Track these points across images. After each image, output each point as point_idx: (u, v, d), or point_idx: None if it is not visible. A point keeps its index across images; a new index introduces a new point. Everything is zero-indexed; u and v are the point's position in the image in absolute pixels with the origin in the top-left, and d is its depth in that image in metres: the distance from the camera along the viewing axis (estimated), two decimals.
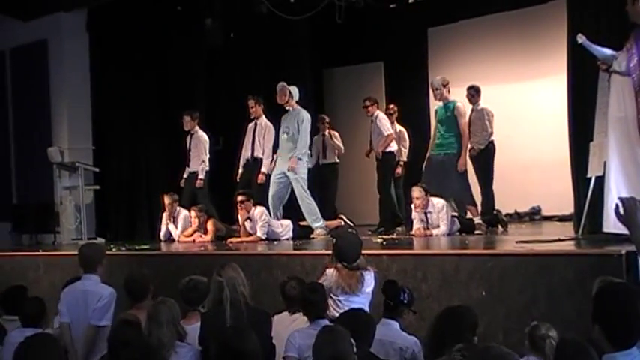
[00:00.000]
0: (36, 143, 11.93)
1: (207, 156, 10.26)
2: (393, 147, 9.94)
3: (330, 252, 5.54)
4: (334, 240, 5.52)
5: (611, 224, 5.83)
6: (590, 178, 6.89)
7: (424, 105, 11.42)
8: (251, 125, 10.00)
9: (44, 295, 5.81)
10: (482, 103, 9.43)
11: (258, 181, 9.59)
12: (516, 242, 6.57)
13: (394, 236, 8.77)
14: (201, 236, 9.70)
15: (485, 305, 5.64)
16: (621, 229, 3.50)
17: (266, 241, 8.85)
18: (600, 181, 6.62)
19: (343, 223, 9.58)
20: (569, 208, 8.07)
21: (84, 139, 11.94)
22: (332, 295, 5.16)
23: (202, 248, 8.90)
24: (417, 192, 8.32)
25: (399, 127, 10.66)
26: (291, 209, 9.46)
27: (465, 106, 8.96)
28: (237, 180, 9.94)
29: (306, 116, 9.29)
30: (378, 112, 10.04)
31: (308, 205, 9.16)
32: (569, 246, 6.46)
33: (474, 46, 11.64)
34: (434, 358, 3.85)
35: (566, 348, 3.42)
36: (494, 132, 9.34)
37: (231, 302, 4.58)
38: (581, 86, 7.23)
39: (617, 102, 6.42)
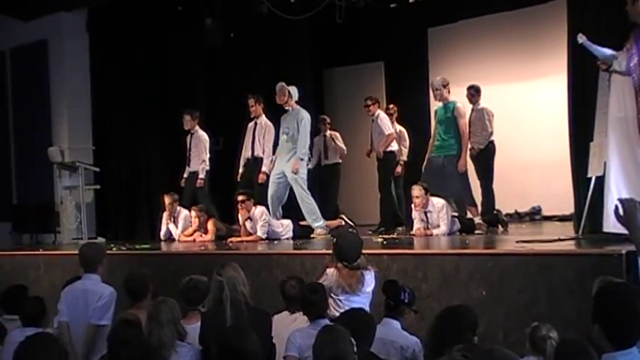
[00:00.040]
0: (36, 143, 11.93)
1: (208, 155, 10.26)
2: (394, 146, 9.94)
3: (330, 252, 5.54)
4: (334, 240, 5.52)
5: (612, 224, 5.82)
6: (591, 178, 6.89)
7: (424, 105, 11.42)
8: (251, 124, 10.00)
9: (44, 295, 5.81)
10: (483, 103, 9.43)
11: (259, 181, 9.59)
12: (516, 242, 6.57)
13: (394, 236, 8.77)
14: (201, 236, 9.71)
15: (486, 305, 5.64)
16: (621, 229, 3.51)
17: (266, 241, 8.85)
18: (600, 181, 6.62)
19: (343, 222, 9.58)
20: (569, 208, 8.07)
21: (84, 138, 11.95)
22: (332, 295, 5.16)
23: (202, 248, 8.90)
24: (416, 191, 8.32)
25: (398, 127, 10.66)
26: (291, 209, 9.46)
27: (464, 107, 8.96)
28: (238, 179, 9.94)
29: (305, 116, 9.29)
30: (379, 111, 10.05)
31: (308, 204, 9.16)
32: (569, 246, 6.46)
33: (474, 46, 11.64)
34: (434, 358, 3.86)
35: (567, 348, 3.42)
36: (495, 132, 9.34)
37: (232, 302, 4.58)
38: (582, 86, 7.23)
39: (617, 102, 6.42)
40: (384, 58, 12.73)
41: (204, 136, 10.34)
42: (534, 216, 10.92)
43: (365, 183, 11.29)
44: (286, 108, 9.38)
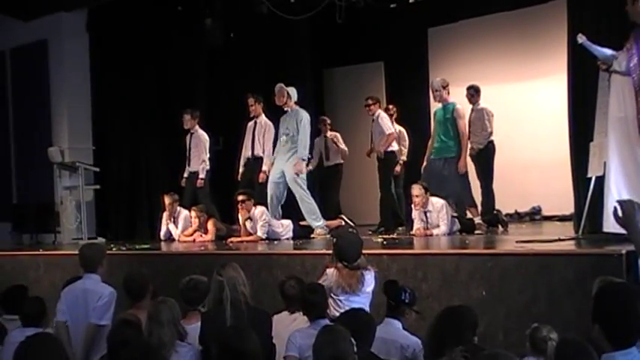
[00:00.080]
0: (36, 143, 11.93)
1: (208, 155, 10.26)
2: (394, 146, 9.95)
3: (330, 252, 5.54)
4: (334, 240, 5.52)
5: (612, 224, 5.79)
6: (591, 178, 6.89)
7: (424, 105, 11.41)
8: (251, 124, 10.00)
9: (44, 295, 5.81)
10: (483, 103, 9.43)
11: (260, 180, 9.59)
12: (516, 242, 6.57)
13: (394, 236, 8.77)
14: (201, 236, 9.71)
15: (486, 305, 5.65)
16: (621, 229, 3.51)
17: (266, 241, 8.85)
18: (600, 181, 6.62)
19: (343, 222, 9.58)
20: (569, 208, 8.07)
21: (84, 138, 11.95)
22: (332, 295, 5.16)
23: (203, 248, 8.91)
24: (416, 190, 8.32)
25: (398, 127, 10.66)
26: (291, 209, 9.46)
27: (464, 108, 8.94)
28: (239, 179, 9.95)
29: (305, 116, 9.30)
30: (379, 111, 10.05)
31: (308, 204, 9.16)
32: (569, 246, 6.46)
33: (474, 46, 11.64)
34: (434, 358, 3.86)
35: (566, 348, 3.42)
36: (495, 132, 9.34)
37: (232, 302, 4.58)
38: (582, 86, 7.23)
39: (617, 102, 6.42)
40: (384, 58, 12.73)
41: (204, 135, 10.34)
42: (534, 216, 10.92)
43: (365, 183, 11.30)
44: (285, 109, 9.39)
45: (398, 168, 10.33)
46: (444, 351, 3.63)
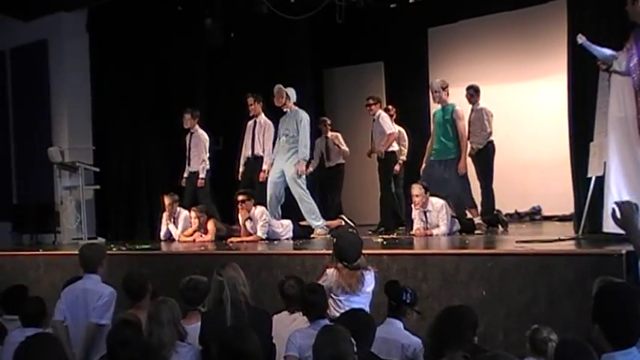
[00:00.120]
0: (36, 143, 11.93)
1: (207, 155, 10.26)
2: (394, 146, 9.95)
3: (330, 252, 5.54)
4: (334, 240, 5.53)
5: (611, 224, 5.78)
6: (591, 178, 6.89)
7: (424, 105, 11.41)
8: (250, 123, 10.01)
9: (44, 295, 5.81)
10: (483, 103, 9.43)
11: (260, 179, 9.59)
12: (516, 242, 6.57)
13: (394, 236, 8.77)
14: (201, 236, 9.71)
15: (486, 305, 5.65)
16: (621, 230, 3.52)
17: (266, 241, 8.85)
18: (600, 181, 6.62)
19: (343, 222, 9.58)
20: (569, 208, 8.07)
21: (84, 138, 11.95)
22: (332, 295, 5.16)
23: (203, 248, 8.91)
24: (416, 189, 8.33)
25: (397, 127, 10.66)
26: (291, 209, 9.46)
27: (463, 110, 8.93)
28: (239, 178, 9.95)
29: (305, 116, 9.30)
30: (380, 111, 10.06)
31: (307, 204, 9.16)
32: (569, 246, 6.46)
33: (474, 46, 11.63)
34: (434, 358, 3.86)
35: (566, 348, 3.42)
36: (494, 132, 9.34)
37: (232, 302, 4.58)
38: (582, 86, 7.23)
39: (617, 102, 6.43)
40: (384, 58, 12.72)
41: (204, 135, 10.34)
42: (534, 216, 10.92)
43: (365, 183, 11.30)
44: (285, 110, 9.39)
45: (397, 167, 10.33)
46: (444, 351, 3.64)
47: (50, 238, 11.49)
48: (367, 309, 5.00)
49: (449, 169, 8.64)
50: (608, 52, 6.50)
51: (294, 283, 5.33)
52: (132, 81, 11.80)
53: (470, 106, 9.40)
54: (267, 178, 9.43)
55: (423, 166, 8.95)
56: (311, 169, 10.35)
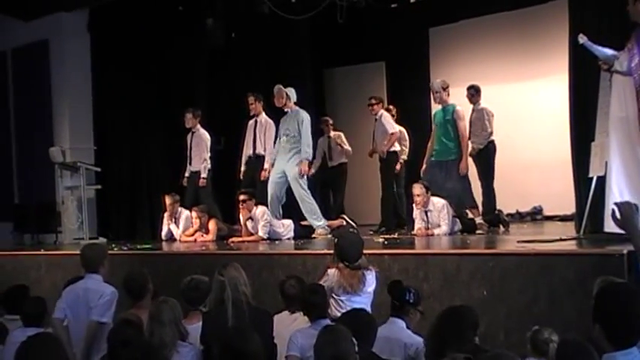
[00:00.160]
0: (37, 143, 11.94)
1: (209, 154, 10.26)
2: (396, 146, 9.96)
3: (331, 252, 5.54)
4: (335, 240, 5.53)
5: (613, 224, 5.81)
6: (592, 178, 6.89)
7: (425, 105, 11.41)
8: (251, 122, 10.02)
9: (46, 295, 5.82)
10: (484, 102, 9.43)
11: (261, 178, 9.59)
12: (518, 242, 6.57)
13: (395, 236, 8.77)
14: (202, 236, 9.71)
15: (487, 305, 5.65)
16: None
17: (267, 241, 8.85)
18: (602, 180, 6.62)
19: (345, 222, 9.58)
20: (570, 208, 8.07)
21: (85, 138, 11.95)
22: (334, 296, 5.17)
23: (204, 248, 8.91)
24: (417, 189, 8.32)
25: (398, 127, 10.66)
26: (292, 209, 9.46)
27: (463, 110, 8.92)
28: (241, 178, 9.96)
29: (305, 116, 9.29)
30: (382, 111, 10.07)
31: (308, 204, 9.16)
32: (570, 246, 6.46)
33: (475, 46, 11.63)
34: (435, 358, 3.86)
35: (567, 348, 3.42)
36: (496, 132, 9.34)
37: (233, 302, 4.58)
38: (583, 86, 7.23)
39: (618, 102, 6.43)
40: (385, 58, 12.72)
41: (205, 134, 10.34)
42: (535, 216, 10.92)
43: (366, 183, 11.30)
44: (286, 110, 9.38)
45: (398, 167, 10.34)
46: (445, 351, 3.63)
47: (51, 238, 11.50)
48: (369, 309, 5.01)
49: (450, 170, 8.64)
50: (609, 51, 6.50)
51: (295, 282, 5.33)
52: (133, 81, 11.80)
53: (471, 106, 9.40)
54: (268, 177, 9.43)
55: (424, 166, 8.95)
56: (313, 170, 10.35)
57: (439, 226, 8.26)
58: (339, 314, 4.84)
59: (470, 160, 8.89)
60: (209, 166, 10.22)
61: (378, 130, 10.05)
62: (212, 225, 9.68)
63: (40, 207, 11.85)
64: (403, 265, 6.23)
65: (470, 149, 8.92)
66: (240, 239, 9.02)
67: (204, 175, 10.16)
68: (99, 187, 11.52)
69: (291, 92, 9.33)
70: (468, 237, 8.11)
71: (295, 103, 9.37)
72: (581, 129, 7.25)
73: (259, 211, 8.96)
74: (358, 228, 9.50)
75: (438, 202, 8.30)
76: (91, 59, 12.08)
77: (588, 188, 6.91)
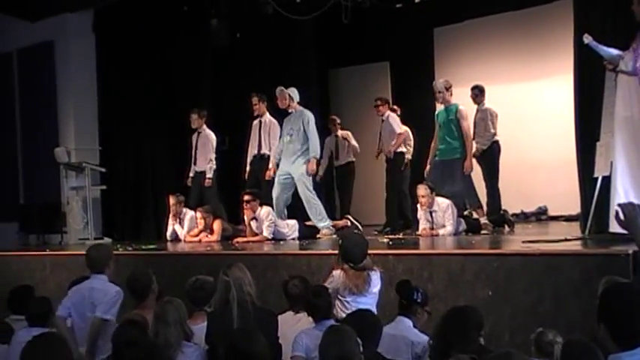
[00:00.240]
0: (43, 143, 11.96)
1: (215, 155, 10.27)
2: (402, 147, 9.97)
3: (336, 252, 5.54)
4: (340, 241, 5.53)
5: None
6: (597, 178, 6.88)
7: (430, 105, 11.34)
8: (256, 123, 10.02)
9: (51, 295, 5.82)
10: (489, 102, 9.41)
11: (266, 178, 9.60)
12: (522, 242, 6.56)
13: (400, 236, 8.76)
14: (207, 236, 9.71)
15: (491, 305, 5.64)
16: None
17: (272, 241, 8.85)
18: (607, 180, 6.61)
19: (349, 223, 9.58)
20: (575, 208, 8.05)
21: (90, 139, 11.97)
22: (339, 297, 5.17)
23: (208, 248, 8.91)
24: (422, 190, 8.31)
25: (404, 127, 10.65)
26: (297, 209, 9.46)
27: (466, 109, 8.91)
28: (246, 177, 9.97)
29: (310, 116, 9.28)
30: (388, 111, 10.09)
31: (313, 205, 9.15)
32: (575, 246, 6.45)
33: (480, 45, 11.62)
34: (440, 358, 3.86)
35: (572, 348, 3.41)
36: (500, 132, 9.33)
37: (238, 302, 4.59)
38: (588, 86, 7.22)
39: (623, 102, 6.42)
40: (389, 58, 12.72)
41: (211, 135, 10.35)
42: (540, 216, 10.90)
43: (371, 183, 11.29)
44: (290, 110, 9.37)
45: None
46: (450, 352, 3.63)
47: (57, 238, 11.52)
48: (374, 309, 5.02)
49: (454, 169, 8.62)
50: (614, 51, 6.49)
51: (298, 282, 5.33)
52: (138, 81, 11.82)
53: (475, 107, 9.39)
54: (273, 177, 9.43)
55: (428, 167, 8.94)
56: (321, 173, 10.37)
57: (444, 226, 8.25)
58: (344, 315, 4.84)
59: (474, 160, 8.87)
60: (215, 166, 10.23)
61: (384, 131, 10.05)
62: (217, 225, 9.68)
63: (46, 207, 11.87)
64: (408, 266, 6.23)
65: (474, 150, 8.91)
66: (244, 239, 9.02)
67: (209, 175, 10.16)
68: (104, 187, 11.54)
69: (294, 92, 9.32)
70: (472, 237, 8.10)
71: (299, 103, 9.37)
72: (586, 129, 7.24)
73: (264, 211, 8.95)
74: (363, 228, 9.52)
75: (442, 203, 8.29)
76: (96, 60, 12.10)
77: (593, 188, 6.90)
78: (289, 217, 9.35)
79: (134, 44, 11.73)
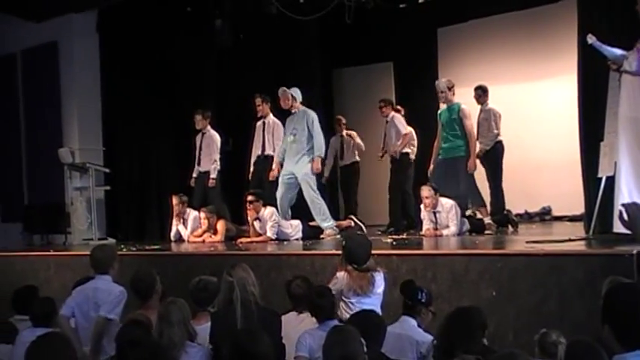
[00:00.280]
0: (47, 144, 11.96)
1: (219, 155, 10.28)
2: (406, 147, 9.97)
3: (339, 252, 5.54)
4: (343, 242, 5.53)
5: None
6: (601, 178, 6.87)
7: (434, 105, 11.33)
8: (259, 124, 10.04)
9: (55, 296, 5.83)
10: (493, 102, 9.40)
11: (270, 178, 9.60)
12: (526, 242, 6.55)
13: (404, 236, 8.76)
14: (211, 236, 9.71)
15: (495, 306, 5.64)
16: None
17: (276, 242, 8.86)
18: (611, 181, 6.59)
19: (353, 223, 9.57)
20: (579, 208, 8.04)
21: (94, 139, 11.98)
22: (344, 298, 5.18)
23: (212, 249, 8.92)
24: (426, 191, 8.31)
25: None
26: (300, 209, 9.46)
27: (469, 108, 8.91)
28: (249, 178, 9.97)
29: (314, 115, 9.28)
30: (392, 112, 10.09)
31: (317, 204, 9.15)
32: (579, 246, 6.43)
33: (484, 46, 11.62)
34: (443, 358, 3.85)
35: (577, 349, 3.41)
36: (504, 132, 9.33)
37: (242, 302, 4.59)
38: (592, 86, 7.21)
39: (627, 102, 6.41)
40: (393, 59, 12.71)
41: (216, 135, 10.35)
42: (544, 216, 10.89)
43: (376, 183, 11.28)
44: (292, 111, 9.37)
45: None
46: (454, 352, 3.63)
47: (61, 238, 11.53)
48: (378, 310, 5.02)
49: (458, 167, 8.61)
50: (618, 51, 6.48)
51: (301, 282, 5.33)
52: (141, 82, 11.82)
53: (478, 107, 9.38)
54: (276, 177, 9.43)
55: (431, 167, 8.93)
56: (326, 173, 10.35)
57: (447, 226, 8.25)
58: (349, 316, 4.85)
59: (477, 160, 8.86)
60: (219, 167, 10.23)
61: (389, 132, 10.06)
62: (220, 226, 9.68)
63: (50, 208, 11.89)
64: (411, 266, 6.23)
65: (477, 150, 8.90)
66: (248, 240, 9.02)
67: (213, 175, 10.16)
68: (108, 187, 11.54)
69: (296, 92, 9.32)
70: (476, 237, 8.09)
71: (301, 103, 9.36)
72: (590, 129, 7.23)
73: (267, 212, 8.96)
74: (366, 228, 9.52)
75: (446, 203, 8.29)
76: (100, 60, 12.10)
77: (597, 188, 6.89)
78: (293, 218, 9.35)
79: (138, 45, 11.74)
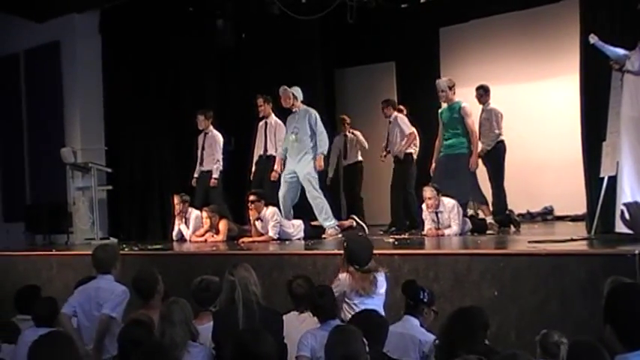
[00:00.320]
0: (49, 144, 11.99)
1: (222, 155, 10.28)
2: (410, 147, 9.98)
3: (341, 252, 5.55)
4: (345, 244, 5.53)
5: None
6: (603, 178, 6.86)
7: (436, 105, 11.32)
8: (261, 124, 10.04)
9: (57, 295, 5.84)
10: (495, 102, 9.40)
11: (272, 179, 9.61)
12: (529, 242, 6.55)
13: (406, 236, 8.76)
14: (213, 236, 9.72)
15: (498, 305, 5.63)
16: None
17: (278, 241, 8.86)
18: (613, 180, 6.59)
19: (355, 223, 9.57)
20: (581, 208, 8.03)
21: (96, 139, 12.00)
22: (346, 299, 5.17)
23: (214, 248, 8.92)
24: (428, 192, 8.30)
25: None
26: (302, 209, 9.46)
27: (470, 106, 8.90)
28: (251, 178, 9.97)
29: (316, 114, 9.28)
30: (395, 112, 10.09)
31: (320, 203, 9.15)
32: (581, 246, 6.43)
33: (486, 45, 11.61)
34: (445, 358, 3.85)
35: (579, 349, 3.41)
36: (506, 132, 9.32)
37: (244, 302, 4.59)
38: (594, 86, 7.21)
39: (630, 101, 6.42)
40: (395, 58, 12.71)
41: (218, 136, 10.35)
42: (546, 216, 10.88)
43: (378, 183, 11.27)
44: (293, 110, 9.37)
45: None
46: (456, 352, 3.63)
47: (63, 238, 11.55)
48: (381, 310, 5.03)
49: (460, 164, 8.59)
50: (620, 51, 6.48)
51: (303, 282, 5.33)
52: (144, 81, 11.85)
53: (480, 107, 9.38)
54: (278, 177, 9.43)
55: (433, 165, 8.93)
56: (330, 174, 10.34)
57: (449, 226, 8.24)
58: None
59: (479, 160, 8.86)
60: (221, 167, 10.24)
61: (392, 132, 10.05)
62: (222, 225, 9.69)
63: (52, 207, 11.91)
64: (413, 266, 6.22)
65: (479, 149, 8.89)
66: (250, 239, 9.02)
67: (215, 175, 10.17)
68: (110, 187, 11.57)
69: (297, 91, 9.32)
70: (478, 237, 8.08)
71: (303, 102, 9.37)
72: (592, 129, 7.23)
73: (269, 211, 8.96)
74: (368, 228, 9.52)
75: (448, 203, 8.28)
76: (102, 60, 12.13)
77: (599, 188, 6.88)
78: (295, 217, 9.35)
79: (140, 45, 11.75)
